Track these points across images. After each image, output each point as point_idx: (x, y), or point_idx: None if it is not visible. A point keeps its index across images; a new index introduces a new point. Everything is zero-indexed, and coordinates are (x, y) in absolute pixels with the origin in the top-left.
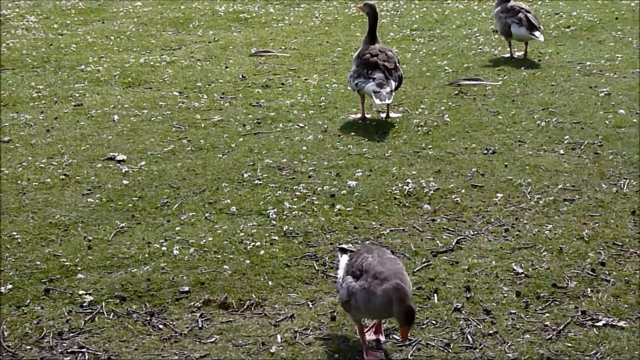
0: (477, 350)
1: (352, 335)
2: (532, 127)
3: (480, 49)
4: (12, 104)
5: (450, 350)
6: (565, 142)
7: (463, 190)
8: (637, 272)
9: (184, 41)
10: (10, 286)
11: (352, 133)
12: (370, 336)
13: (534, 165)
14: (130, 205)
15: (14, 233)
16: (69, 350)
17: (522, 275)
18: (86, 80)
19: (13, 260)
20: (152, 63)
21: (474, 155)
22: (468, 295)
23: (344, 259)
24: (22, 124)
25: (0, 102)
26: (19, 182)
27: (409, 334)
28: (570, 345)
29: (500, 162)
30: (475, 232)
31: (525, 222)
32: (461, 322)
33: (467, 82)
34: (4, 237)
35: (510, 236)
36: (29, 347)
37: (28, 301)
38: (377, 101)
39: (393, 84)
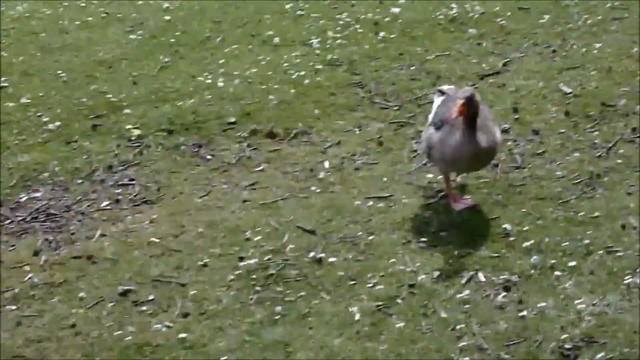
0: (526, 170)
1: (400, 158)
2: None
3: None
4: None
5: (498, 171)
6: None
7: (509, 13)
8: None
9: None
10: (58, 123)
11: None
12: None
13: None
14: (173, 40)
15: (59, 72)
16: (119, 183)
17: (571, 95)
18: None
19: (60, 98)
20: None
21: None
22: (516, 117)
23: (437, 102)
24: None
25: None
26: (59, 22)
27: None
28: (620, 161)
29: None
30: (522, 54)
31: (572, 42)
32: (509, 142)
33: None
34: (49, 75)
35: (558, 57)
36: (80, 180)
37: (77, 137)
38: None
39: None
